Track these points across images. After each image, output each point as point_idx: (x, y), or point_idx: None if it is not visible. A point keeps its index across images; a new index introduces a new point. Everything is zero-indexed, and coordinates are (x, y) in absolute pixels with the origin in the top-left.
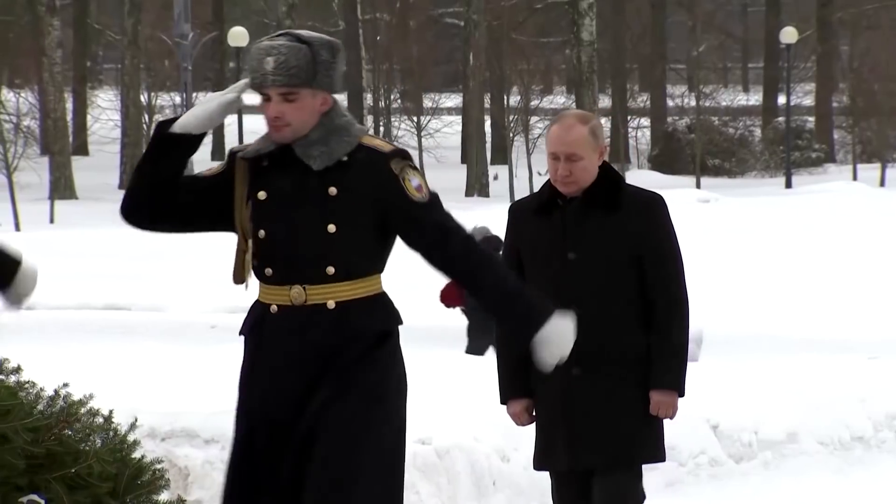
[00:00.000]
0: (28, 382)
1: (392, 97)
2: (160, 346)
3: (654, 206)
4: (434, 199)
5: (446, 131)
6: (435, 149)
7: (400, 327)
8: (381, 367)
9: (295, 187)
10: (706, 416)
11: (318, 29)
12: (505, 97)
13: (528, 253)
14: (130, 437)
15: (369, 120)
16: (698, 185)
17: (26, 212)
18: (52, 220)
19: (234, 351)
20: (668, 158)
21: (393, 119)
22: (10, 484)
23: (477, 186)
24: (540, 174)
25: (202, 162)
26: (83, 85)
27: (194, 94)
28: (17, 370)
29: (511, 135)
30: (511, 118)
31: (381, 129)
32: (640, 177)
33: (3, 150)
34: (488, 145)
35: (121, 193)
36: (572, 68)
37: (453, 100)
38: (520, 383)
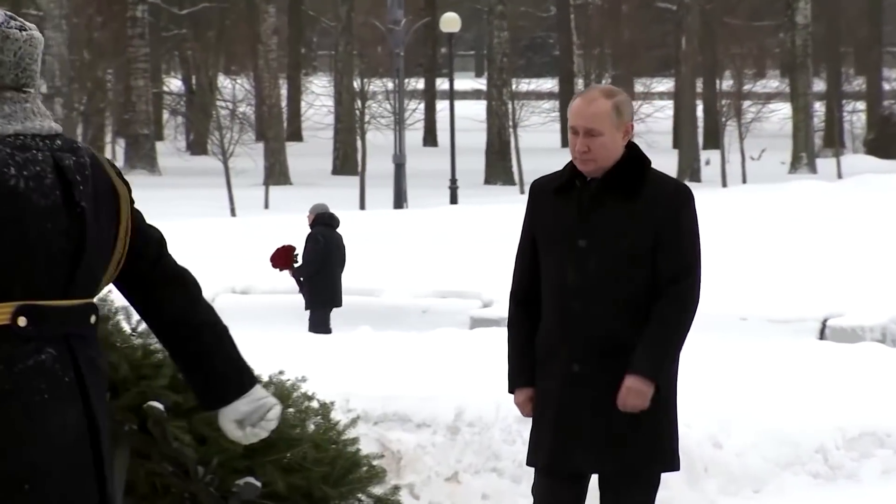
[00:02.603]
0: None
1: (603, 82)
2: (373, 331)
3: (679, 196)
4: None
5: (658, 116)
6: (646, 133)
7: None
8: None
9: None
10: None
11: (531, 14)
12: (717, 81)
13: (542, 236)
14: (343, 424)
15: None
16: None
17: (241, 197)
18: (266, 206)
19: (445, 336)
20: (884, 143)
21: None
22: (227, 467)
23: (688, 171)
24: (753, 158)
25: (415, 148)
26: (297, 71)
27: (406, 80)
28: None
29: (723, 119)
30: (723, 102)
31: None
32: (855, 161)
33: (220, 137)
34: (700, 130)
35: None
36: (786, 52)
37: (665, 84)
38: (527, 372)
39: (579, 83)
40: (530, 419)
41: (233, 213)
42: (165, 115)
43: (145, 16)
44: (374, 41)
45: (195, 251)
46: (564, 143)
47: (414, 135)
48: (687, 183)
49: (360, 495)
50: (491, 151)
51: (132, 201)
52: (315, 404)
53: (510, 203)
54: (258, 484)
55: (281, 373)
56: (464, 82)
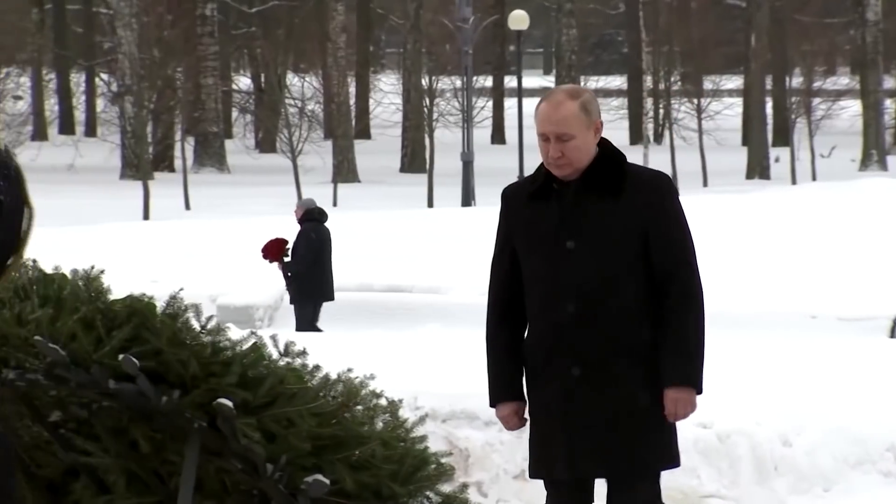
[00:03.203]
0: (314, 366)
1: (672, 79)
2: (440, 328)
3: (659, 185)
4: None
5: (727, 113)
6: (715, 131)
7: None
8: None
9: None
10: None
11: (600, 12)
12: (787, 78)
13: (523, 242)
14: (411, 422)
15: (649, 102)
16: None
17: (310, 195)
18: (335, 204)
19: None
20: None
21: (673, 101)
22: (296, 464)
23: (758, 169)
24: (823, 156)
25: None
26: (366, 69)
27: (475, 78)
28: (303, 353)
29: (793, 116)
30: (793, 100)
31: (661, 111)
32: None
33: (288, 135)
34: (769, 127)
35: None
36: (856, 48)
37: (734, 81)
38: (510, 385)
39: (648, 81)
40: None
41: None
42: (234, 113)
43: (215, 14)
44: (442, 39)
45: None
46: (633, 141)
47: (482, 132)
48: (756, 181)
49: (428, 493)
50: None
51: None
52: (383, 402)
53: None
54: (326, 481)
55: (349, 370)
56: (532, 80)
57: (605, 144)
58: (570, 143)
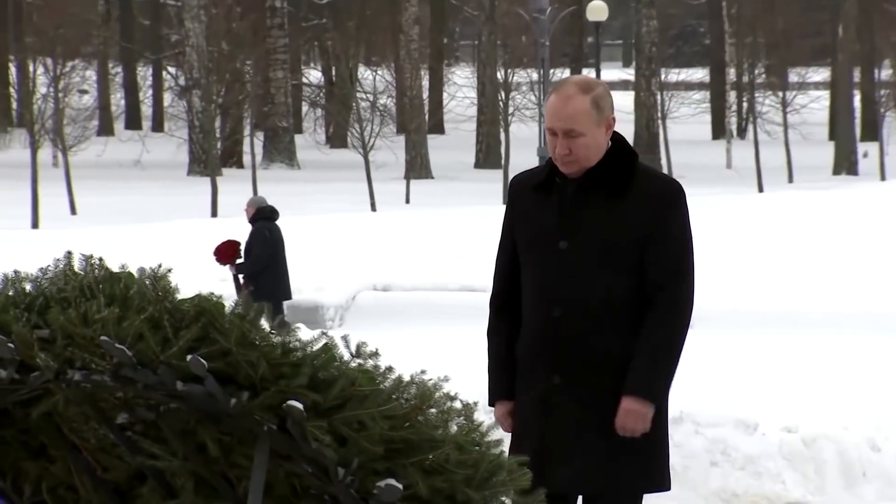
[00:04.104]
0: (387, 368)
1: (756, 71)
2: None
3: (668, 194)
4: None
5: (813, 107)
6: (801, 125)
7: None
8: None
9: None
10: None
11: (681, 2)
12: (876, 70)
13: (522, 236)
14: (486, 425)
15: (732, 95)
16: None
17: (382, 192)
18: (407, 200)
19: None
20: None
21: (757, 94)
22: (368, 469)
23: (845, 164)
24: None
25: None
26: (439, 62)
27: (552, 71)
28: (375, 354)
29: (882, 110)
30: (882, 92)
31: (745, 104)
32: None
33: (360, 129)
34: (857, 121)
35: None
36: None
37: (821, 74)
38: (506, 384)
39: (731, 73)
40: (680, 419)
41: (373, 207)
42: (304, 107)
43: (285, 5)
44: (518, 30)
45: (334, 247)
46: (715, 135)
47: None
48: (843, 176)
49: (503, 499)
50: (639, 144)
51: None
52: (458, 405)
53: None
54: (399, 486)
55: (423, 372)
56: (611, 72)
57: (617, 141)
58: (579, 141)
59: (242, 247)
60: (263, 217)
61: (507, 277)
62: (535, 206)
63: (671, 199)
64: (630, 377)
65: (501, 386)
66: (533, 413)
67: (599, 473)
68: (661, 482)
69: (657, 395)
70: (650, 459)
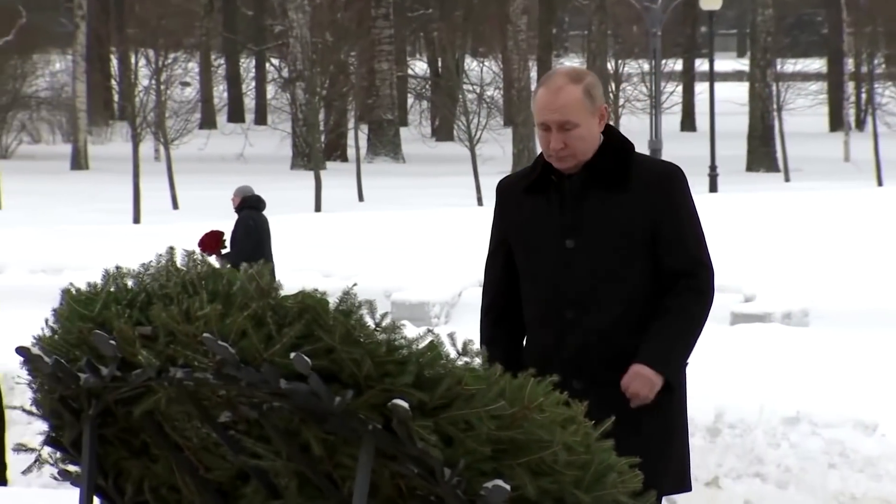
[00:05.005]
0: (494, 367)
1: (875, 62)
2: None
3: (670, 179)
4: None
5: None
6: None
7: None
8: None
9: None
10: None
11: None
12: None
13: (518, 241)
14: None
15: (850, 86)
16: None
17: (489, 186)
18: None
19: (704, 332)
20: None
21: (876, 85)
22: (474, 469)
23: None
24: None
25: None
26: (548, 53)
27: (663, 61)
28: (480, 353)
29: None
30: None
31: (864, 95)
32: None
33: (466, 122)
34: None
35: None
36: None
37: None
38: None
39: (849, 63)
40: (796, 420)
41: (480, 202)
42: (410, 99)
43: None
44: (629, 20)
45: (441, 243)
46: (833, 128)
47: (671, 119)
48: None
49: (614, 501)
50: (753, 136)
51: None
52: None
53: (774, 191)
54: (507, 487)
55: (531, 371)
56: (725, 63)
57: (610, 132)
58: (574, 133)
59: (227, 237)
60: (249, 206)
61: (501, 288)
62: (532, 208)
63: (674, 184)
64: (643, 347)
65: None
66: None
67: None
68: (682, 483)
69: (669, 369)
70: (668, 462)
